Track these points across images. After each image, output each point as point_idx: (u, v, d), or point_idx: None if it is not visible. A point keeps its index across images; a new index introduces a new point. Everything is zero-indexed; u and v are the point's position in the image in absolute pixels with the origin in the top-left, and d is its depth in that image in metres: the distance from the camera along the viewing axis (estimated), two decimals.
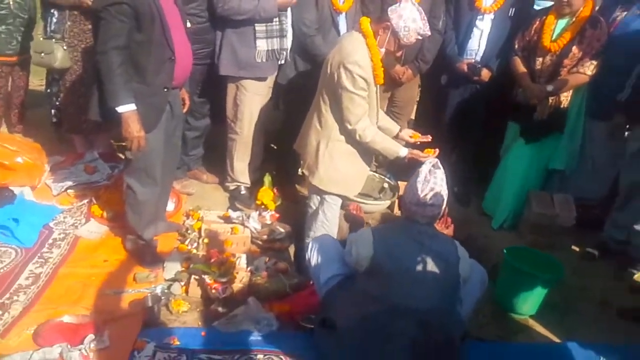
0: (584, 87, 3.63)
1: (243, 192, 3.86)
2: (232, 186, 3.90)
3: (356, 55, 2.82)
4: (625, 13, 3.56)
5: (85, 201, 3.58)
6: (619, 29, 3.55)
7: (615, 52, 3.48)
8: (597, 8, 3.63)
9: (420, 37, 2.90)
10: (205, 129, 3.97)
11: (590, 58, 3.49)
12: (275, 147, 4.34)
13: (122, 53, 2.54)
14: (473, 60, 3.87)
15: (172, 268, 2.99)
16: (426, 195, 2.30)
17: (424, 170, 2.36)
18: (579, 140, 3.80)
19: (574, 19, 3.53)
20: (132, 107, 2.59)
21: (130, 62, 2.59)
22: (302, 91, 3.58)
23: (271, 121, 4.00)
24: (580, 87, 3.62)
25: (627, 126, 3.54)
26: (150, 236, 3.07)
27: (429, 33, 2.96)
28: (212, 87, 3.77)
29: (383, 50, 2.90)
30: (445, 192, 2.35)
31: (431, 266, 2.26)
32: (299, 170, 4.09)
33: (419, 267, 2.26)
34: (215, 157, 4.09)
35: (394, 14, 2.81)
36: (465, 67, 3.86)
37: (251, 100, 3.64)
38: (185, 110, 3.13)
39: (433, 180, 2.33)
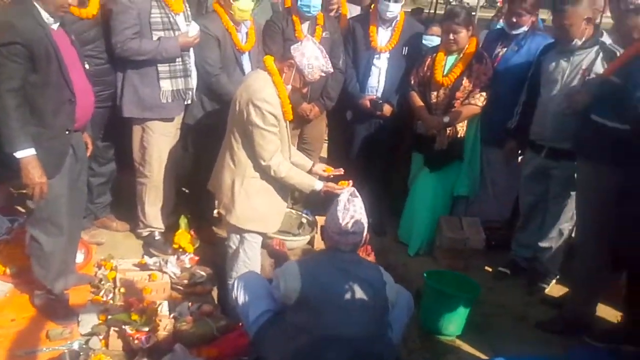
0: (477, 117, 3.93)
1: (157, 237, 3.71)
2: (145, 232, 3.75)
3: (264, 92, 2.89)
4: (505, 49, 3.93)
5: None
6: (501, 64, 3.92)
7: (501, 84, 3.83)
8: (480, 45, 4.00)
9: (323, 74, 3.03)
10: (111, 174, 3.81)
11: (479, 90, 3.81)
12: (187, 191, 4.26)
13: (17, 95, 2.43)
14: (375, 97, 4.08)
15: (88, 321, 2.82)
16: (347, 223, 2.37)
17: (342, 199, 2.44)
18: (479, 167, 4.08)
19: (461, 55, 3.84)
20: (31, 151, 2.47)
21: (27, 104, 2.48)
22: (210, 131, 3.58)
23: (180, 164, 3.94)
24: (473, 117, 3.91)
25: (520, 151, 3.87)
26: (61, 289, 2.88)
27: (332, 70, 3.11)
28: (116, 131, 3.64)
29: (289, 87, 2.99)
30: (365, 219, 2.44)
31: (359, 293, 2.30)
32: (215, 211, 4.06)
33: (347, 295, 2.30)
34: (124, 204, 3.93)
35: (296, 52, 2.92)
36: (368, 103, 4.05)
37: (159, 141, 3.56)
38: (88, 154, 3.01)
39: (352, 209, 2.41)
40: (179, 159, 3.83)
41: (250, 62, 3.73)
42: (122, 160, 3.82)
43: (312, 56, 2.92)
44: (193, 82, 3.56)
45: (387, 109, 4.06)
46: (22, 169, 2.46)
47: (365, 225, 2.44)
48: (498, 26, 5.10)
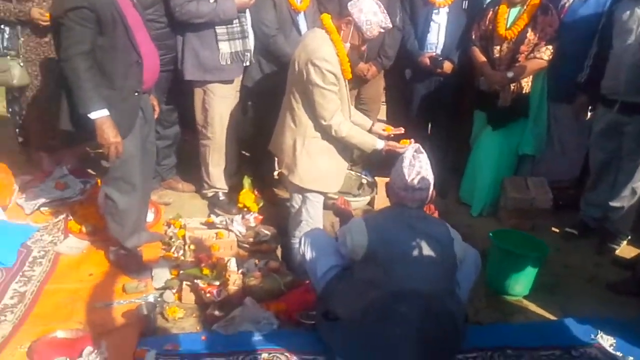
0: (544, 72, 3.77)
1: (222, 198, 3.80)
2: (209, 193, 3.84)
3: (322, 51, 2.86)
4: (573, 0, 3.75)
5: (60, 217, 3.47)
6: (568, 15, 3.73)
7: (568, 36, 3.64)
8: None
9: (382, 30, 2.96)
10: (175, 137, 3.91)
11: (545, 43, 3.63)
12: (248, 154, 4.32)
13: (88, 58, 2.49)
14: (434, 54, 3.96)
15: (161, 276, 2.93)
16: (413, 179, 2.34)
17: (407, 155, 2.40)
18: (545, 124, 3.93)
19: (525, 7, 3.66)
20: (105, 112, 2.53)
21: (97, 67, 2.54)
22: (269, 92, 3.59)
23: (241, 127, 3.99)
24: (539, 72, 3.75)
25: (590, 107, 3.70)
26: (134, 245, 2.99)
27: (391, 25, 3.03)
28: (178, 94, 3.72)
29: (348, 45, 2.94)
30: (431, 176, 2.40)
31: (427, 249, 2.28)
32: (275, 172, 4.11)
33: (415, 251, 2.28)
34: (189, 165, 4.03)
35: (354, 9, 2.86)
36: (427, 61, 3.94)
37: (220, 103, 3.61)
38: (155, 116, 3.08)
39: (418, 164, 2.38)
40: (240, 122, 3.88)
41: (306, 22, 3.70)
42: (185, 123, 3.90)
43: (370, 12, 2.86)
44: (251, 43, 3.57)
45: (447, 66, 3.94)
46: (97, 130, 2.54)
47: (432, 182, 2.41)
48: None
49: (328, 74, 2.85)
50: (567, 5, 3.78)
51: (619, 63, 3.29)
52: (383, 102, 4.56)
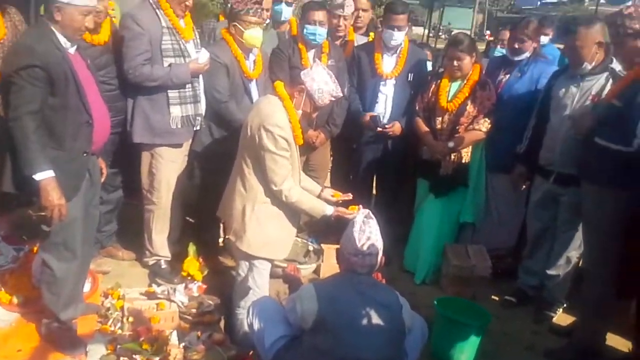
0: (482, 143, 3.96)
1: (164, 266, 3.67)
2: (151, 261, 3.70)
3: (275, 117, 2.92)
4: (508, 75, 4.00)
5: None
6: (505, 90, 3.98)
7: (505, 110, 3.87)
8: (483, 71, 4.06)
9: (333, 99, 3.08)
10: (118, 201, 3.79)
11: (484, 116, 3.84)
12: (192, 221, 4.23)
13: (36, 118, 2.43)
14: (375, 114, 4.07)
15: (97, 352, 2.76)
16: (363, 244, 2.37)
17: (358, 220, 2.44)
18: (483, 193, 4.09)
19: (465, 81, 3.89)
20: (50, 173, 2.46)
21: (45, 127, 2.48)
22: (218, 157, 3.58)
23: (187, 192, 3.93)
24: (478, 143, 3.94)
25: (527, 177, 3.85)
26: (70, 318, 2.81)
27: (341, 94, 3.15)
28: (124, 158, 3.65)
29: (300, 112, 3.02)
30: (380, 242, 2.44)
31: (376, 317, 2.28)
32: (221, 239, 4.03)
33: (364, 319, 2.28)
34: (130, 231, 3.89)
35: (307, 77, 2.97)
36: (367, 118, 4.06)
37: (167, 167, 3.55)
38: (102, 179, 3.00)
39: (368, 230, 2.41)
40: (186, 187, 3.82)
41: (257, 90, 3.76)
42: (128, 187, 3.80)
43: (322, 81, 2.96)
44: (202, 108, 3.58)
45: (397, 128, 4.07)
46: (41, 191, 2.45)
47: (381, 248, 2.44)
48: (496, 53, 5.19)
49: (280, 139, 2.89)
50: (503, 80, 4.03)
51: (555, 136, 3.50)
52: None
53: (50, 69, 2.44)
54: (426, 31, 14.51)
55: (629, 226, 3.03)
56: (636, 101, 2.87)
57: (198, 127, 3.61)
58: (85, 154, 2.64)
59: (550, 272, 3.67)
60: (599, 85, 3.35)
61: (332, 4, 4.33)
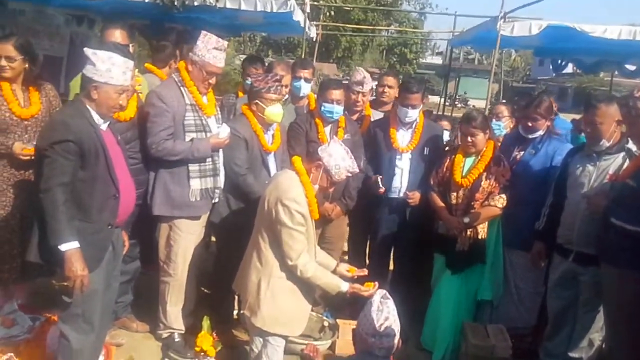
0: (498, 219, 3.94)
1: (177, 339, 3.63)
2: (165, 334, 3.67)
3: (293, 192, 2.97)
4: (522, 152, 4.04)
5: (4, 358, 3.20)
6: (519, 166, 4.00)
7: (521, 186, 3.87)
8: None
9: (350, 174, 3.14)
10: (135, 272, 3.81)
11: (499, 192, 3.84)
12: (207, 291, 4.22)
13: (67, 190, 2.53)
14: (380, 177, 4.11)
15: None
16: (381, 325, 2.36)
17: (375, 300, 2.43)
18: (501, 270, 4.03)
19: (479, 157, 3.92)
20: (75, 244, 2.53)
21: (73, 199, 2.57)
22: (235, 229, 3.62)
23: (203, 263, 3.95)
24: (494, 219, 3.93)
25: (546, 255, 3.79)
26: None
27: (357, 169, 3.21)
28: (142, 228, 3.70)
29: (316, 186, 3.08)
30: (397, 324, 2.41)
31: None
32: (236, 312, 4.00)
33: None
34: (144, 302, 3.89)
35: (324, 153, 3.04)
36: (374, 180, 4.09)
37: (185, 239, 3.59)
38: (125, 251, 3.04)
39: (386, 310, 2.40)
40: (203, 258, 3.85)
41: (275, 163, 3.85)
42: (144, 258, 3.83)
43: (339, 157, 3.03)
44: (221, 181, 3.65)
45: (417, 196, 4.11)
46: (65, 262, 2.51)
47: (398, 330, 2.41)
48: (493, 125, 5.15)
49: (297, 214, 2.93)
50: (518, 157, 4.06)
51: (574, 214, 3.46)
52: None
53: (82, 143, 2.56)
54: (442, 100, 14.78)
55: None
56: None
57: (216, 200, 3.67)
58: (110, 227, 2.72)
59: (572, 354, 3.56)
60: (616, 164, 3.35)
61: (352, 81, 4.49)
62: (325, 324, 3.98)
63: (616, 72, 14.13)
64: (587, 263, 3.39)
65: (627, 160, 3.32)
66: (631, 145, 3.34)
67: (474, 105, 25.34)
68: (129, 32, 3.82)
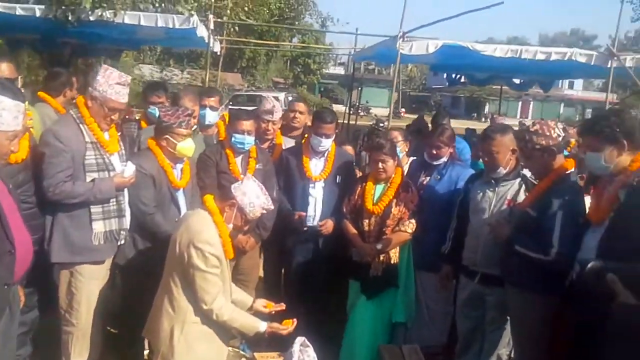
0: (409, 243, 4.06)
1: None
2: None
3: (205, 234, 2.87)
4: (428, 178, 4.21)
5: None
6: (426, 191, 4.16)
7: (428, 211, 4.03)
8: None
9: (265, 211, 3.09)
10: (33, 322, 3.49)
11: (408, 218, 3.97)
12: (113, 331, 3.98)
13: None
14: (304, 214, 4.15)
15: None
16: None
17: (295, 350, 2.39)
18: (413, 292, 4.14)
19: (389, 184, 4.03)
20: None
21: None
22: (143, 271, 3.45)
23: (110, 304, 3.71)
24: (404, 243, 4.04)
25: (454, 276, 3.95)
26: None
27: (272, 206, 3.18)
28: (41, 276, 3.41)
29: (231, 225, 3.00)
30: None
31: None
32: (146, 352, 3.80)
33: None
34: (45, 354, 3.58)
35: (238, 192, 2.97)
36: (297, 217, 4.12)
37: (88, 286, 3.35)
38: (21, 306, 2.78)
39: (307, 359, 2.36)
40: (108, 301, 3.61)
41: (185, 199, 3.71)
42: (43, 306, 3.53)
43: (253, 195, 2.98)
44: (127, 221, 3.46)
45: (329, 225, 4.14)
46: None
47: None
48: None
49: (210, 256, 2.84)
50: (424, 182, 4.22)
51: (477, 237, 3.64)
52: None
53: None
54: (346, 109, 15.31)
55: (554, 327, 3.17)
56: (550, 211, 3.08)
57: (122, 242, 3.47)
58: (6, 286, 2.45)
59: None
60: (513, 190, 3.57)
61: (261, 110, 4.45)
62: None
63: (505, 86, 15.27)
64: (492, 284, 3.57)
65: (523, 186, 3.55)
66: (526, 172, 3.57)
67: (376, 115, 26.19)
68: (15, 63, 3.51)
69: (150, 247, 3.55)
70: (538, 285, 3.16)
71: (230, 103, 24.38)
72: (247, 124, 3.91)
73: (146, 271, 3.35)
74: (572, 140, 8.64)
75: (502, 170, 3.58)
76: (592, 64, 8.35)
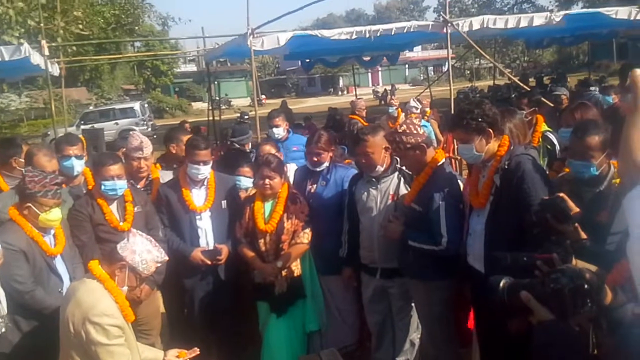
0: (308, 252, 4.07)
1: None
2: None
3: (100, 306, 2.68)
4: (315, 185, 4.22)
5: None
6: (315, 199, 4.17)
7: (320, 217, 4.06)
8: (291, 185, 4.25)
9: (159, 264, 2.94)
10: None
11: (302, 229, 3.97)
12: None
13: None
14: (205, 247, 4.03)
15: None
16: None
17: None
18: (321, 298, 4.20)
19: (277, 199, 4.00)
20: None
21: None
22: (32, 353, 3.16)
23: None
24: (303, 254, 4.06)
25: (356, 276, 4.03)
26: None
27: (166, 258, 3.02)
28: None
29: (125, 288, 2.82)
30: None
31: None
32: None
33: None
34: None
35: (126, 251, 2.80)
36: (200, 255, 3.98)
37: None
38: None
39: None
40: None
41: (64, 264, 3.40)
42: None
43: (143, 250, 2.82)
44: (4, 307, 3.07)
45: (225, 251, 4.03)
46: None
47: None
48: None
49: (111, 328, 2.67)
50: (312, 190, 4.23)
51: (370, 235, 3.77)
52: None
53: None
54: (208, 104, 15.04)
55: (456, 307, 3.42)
56: (433, 204, 3.27)
57: (3, 330, 3.09)
58: None
59: (399, 358, 3.90)
60: (394, 184, 3.73)
61: (129, 148, 4.18)
62: None
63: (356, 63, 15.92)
64: (393, 276, 3.75)
65: (402, 179, 3.73)
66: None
67: (239, 108, 26.03)
68: None
69: (38, 326, 3.23)
70: (435, 273, 3.37)
71: (82, 122, 22.76)
72: (115, 168, 3.66)
73: (38, 353, 3.08)
74: (428, 110, 9.29)
75: (380, 168, 3.71)
76: (429, 31, 8.98)
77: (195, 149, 3.99)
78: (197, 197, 4.08)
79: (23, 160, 3.98)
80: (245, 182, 4.33)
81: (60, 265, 3.37)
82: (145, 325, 3.93)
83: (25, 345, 3.21)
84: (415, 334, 3.91)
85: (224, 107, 23.38)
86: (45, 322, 3.12)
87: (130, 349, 2.81)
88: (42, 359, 2.97)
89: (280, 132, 5.90)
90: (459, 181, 3.57)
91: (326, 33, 8.93)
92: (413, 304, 3.80)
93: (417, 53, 51.24)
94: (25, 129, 27.42)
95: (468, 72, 46.91)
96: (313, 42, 9.41)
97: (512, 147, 3.02)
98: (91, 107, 28.30)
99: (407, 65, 53.71)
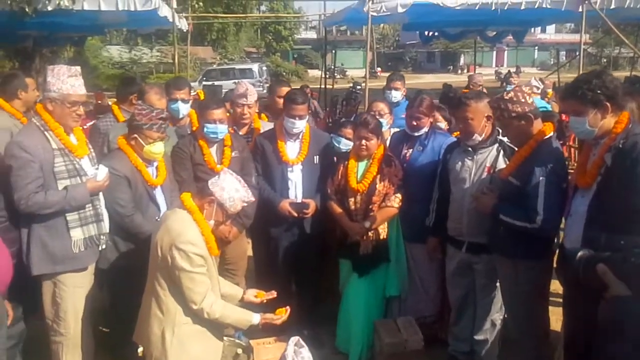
0: (397, 217, 4.02)
1: None
2: None
3: (187, 234, 2.80)
4: (410, 150, 4.12)
5: None
6: (409, 163, 4.08)
7: (413, 182, 3.97)
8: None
9: (245, 204, 3.02)
10: (20, 335, 3.41)
11: (393, 192, 3.92)
12: (105, 330, 3.93)
13: None
14: (294, 199, 4.08)
15: None
16: None
17: (289, 352, 2.36)
18: (405, 265, 4.12)
19: (372, 160, 3.96)
20: None
21: None
22: (128, 274, 3.37)
23: (98, 302, 3.65)
24: (392, 218, 4.01)
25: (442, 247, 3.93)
26: None
27: (253, 198, 3.09)
28: (23, 287, 3.33)
29: (212, 222, 2.93)
30: None
31: None
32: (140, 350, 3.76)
33: None
34: None
35: (216, 187, 2.89)
36: (288, 207, 4.04)
37: (73, 295, 3.29)
38: (9, 322, 2.73)
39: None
40: (96, 304, 3.55)
41: (164, 195, 3.62)
42: (29, 317, 3.46)
43: (232, 189, 2.90)
44: (105, 226, 3.37)
45: (312, 207, 4.06)
46: None
47: None
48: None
49: (195, 256, 2.78)
50: (407, 154, 4.13)
51: (460, 208, 3.62)
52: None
53: None
54: (322, 73, 15.13)
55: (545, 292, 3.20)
56: (533, 179, 3.04)
57: (104, 246, 3.39)
58: None
59: (478, 337, 3.76)
60: (491, 157, 3.53)
61: (235, 94, 4.32)
62: (239, 351, 3.86)
63: (478, 38, 15.14)
64: (480, 252, 3.58)
65: (501, 152, 3.51)
66: (502, 137, 3.52)
67: (352, 78, 25.96)
68: None
69: (134, 249, 3.47)
70: (526, 253, 3.16)
71: (204, 79, 23.97)
72: (218, 113, 3.80)
73: (132, 272, 3.26)
74: (549, 91, 8.68)
75: (478, 137, 3.52)
76: (563, 9, 8.30)
77: (293, 103, 4.02)
78: (291, 149, 4.13)
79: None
80: (346, 143, 4.30)
81: (159, 196, 3.59)
82: (232, 265, 4.11)
83: (120, 264, 3.48)
84: (497, 314, 3.74)
85: (338, 77, 23.51)
86: (140, 245, 3.34)
87: (211, 279, 2.94)
88: (134, 278, 3.17)
89: (397, 95, 5.79)
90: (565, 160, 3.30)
91: (448, 2, 8.52)
92: (498, 284, 3.62)
93: (550, 35, 47.92)
94: (153, 81, 29.47)
95: (605, 60, 43.07)
96: (434, 11, 9.05)
97: (630, 125, 2.72)
98: (214, 66, 29.65)
99: (536, 48, 50.43)
